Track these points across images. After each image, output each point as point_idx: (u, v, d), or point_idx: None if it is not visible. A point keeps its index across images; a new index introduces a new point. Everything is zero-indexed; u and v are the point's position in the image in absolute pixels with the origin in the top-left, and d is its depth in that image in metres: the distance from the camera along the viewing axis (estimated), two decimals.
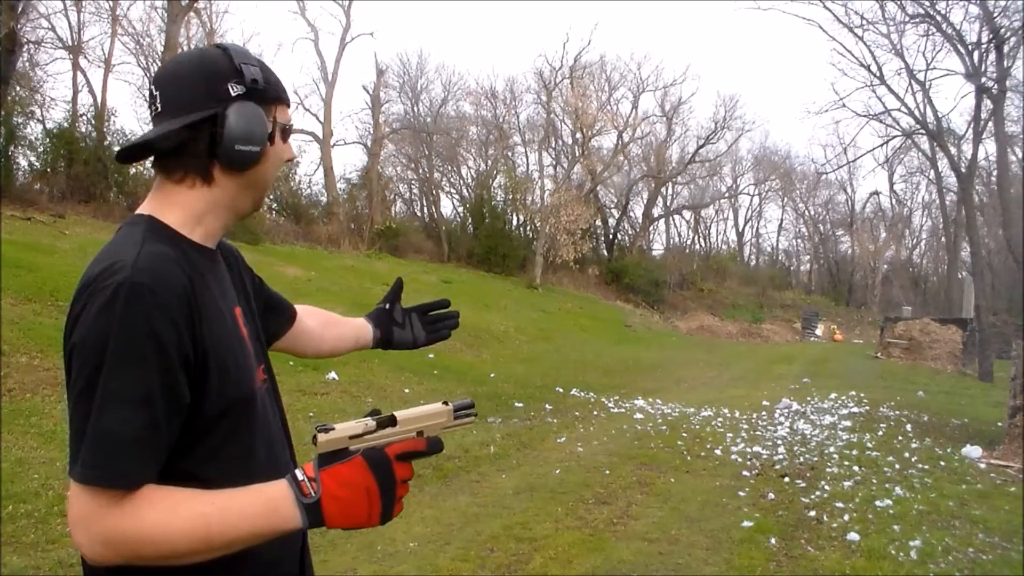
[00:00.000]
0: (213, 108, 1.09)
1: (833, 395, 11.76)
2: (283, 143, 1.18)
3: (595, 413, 9.66)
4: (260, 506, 1.00)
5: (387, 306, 1.63)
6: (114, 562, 0.99)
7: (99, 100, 22.19)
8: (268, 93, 1.14)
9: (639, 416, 9.45)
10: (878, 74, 19.32)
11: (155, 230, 1.10)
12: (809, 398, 11.46)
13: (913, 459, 7.15)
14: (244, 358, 1.14)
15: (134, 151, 1.15)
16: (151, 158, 1.15)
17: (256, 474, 1.06)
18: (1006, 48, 15.47)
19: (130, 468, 0.97)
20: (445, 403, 1.10)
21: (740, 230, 47.07)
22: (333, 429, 1.03)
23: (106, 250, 1.07)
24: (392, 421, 1.05)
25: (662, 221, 43.15)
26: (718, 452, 7.30)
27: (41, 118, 19.84)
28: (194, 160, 1.11)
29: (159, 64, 21.03)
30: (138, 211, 1.15)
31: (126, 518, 0.96)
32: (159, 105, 1.11)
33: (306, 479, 1.01)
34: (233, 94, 1.10)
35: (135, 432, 0.97)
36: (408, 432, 1.06)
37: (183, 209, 1.13)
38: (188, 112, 1.08)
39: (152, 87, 1.13)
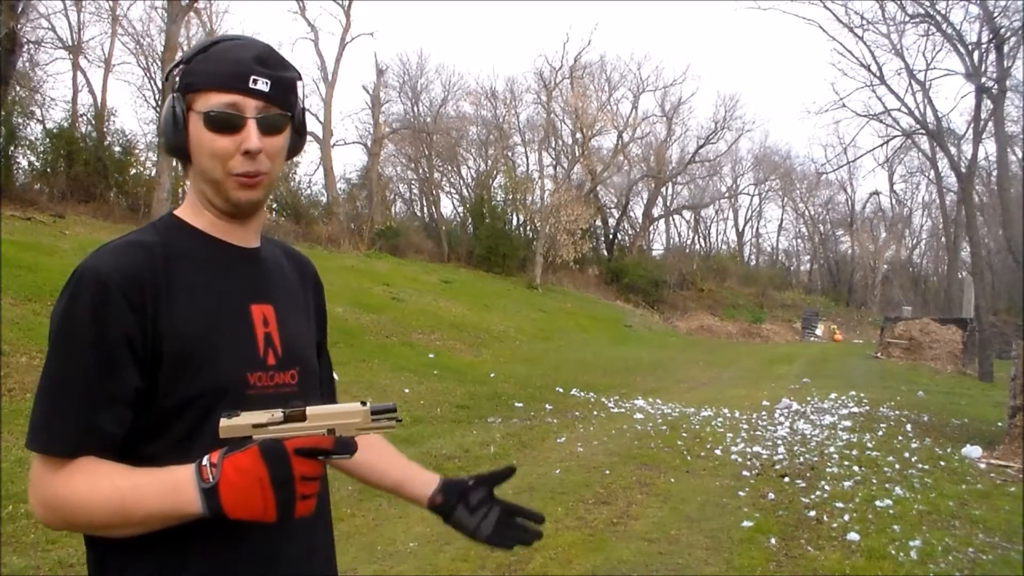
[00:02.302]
0: (170, 95, 1.15)
1: (833, 395, 11.75)
2: (213, 133, 1.10)
3: (595, 413, 9.66)
4: (167, 486, 1.01)
5: (471, 482, 1.37)
6: (56, 526, 1.07)
7: (99, 100, 22.26)
8: (183, 81, 1.13)
9: (639, 416, 9.44)
10: (878, 74, 19.32)
11: (158, 223, 1.19)
12: (809, 398, 11.45)
13: (913, 459, 7.14)
14: (237, 353, 1.12)
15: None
16: None
17: None
18: (1006, 48, 15.47)
19: (58, 437, 1.03)
20: (363, 403, 1.04)
21: (740, 230, 47.14)
22: (238, 415, 1.00)
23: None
24: (302, 416, 1.01)
25: (662, 221, 43.22)
26: (718, 452, 7.30)
27: (41, 118, 19.89)
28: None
29: (159, 64, 21.05)
30: None
31: (59, 484, 1.03)
32: None
33: (208, 464, 1.00)
34: (178, 83, 1.14)
35: (67, 404, 1.03)
36: (317, 429, 1.01)
37: (188, 200, 1.20)
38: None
39: None
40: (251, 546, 1.09)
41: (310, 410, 1.02)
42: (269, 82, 1.11)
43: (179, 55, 1.17)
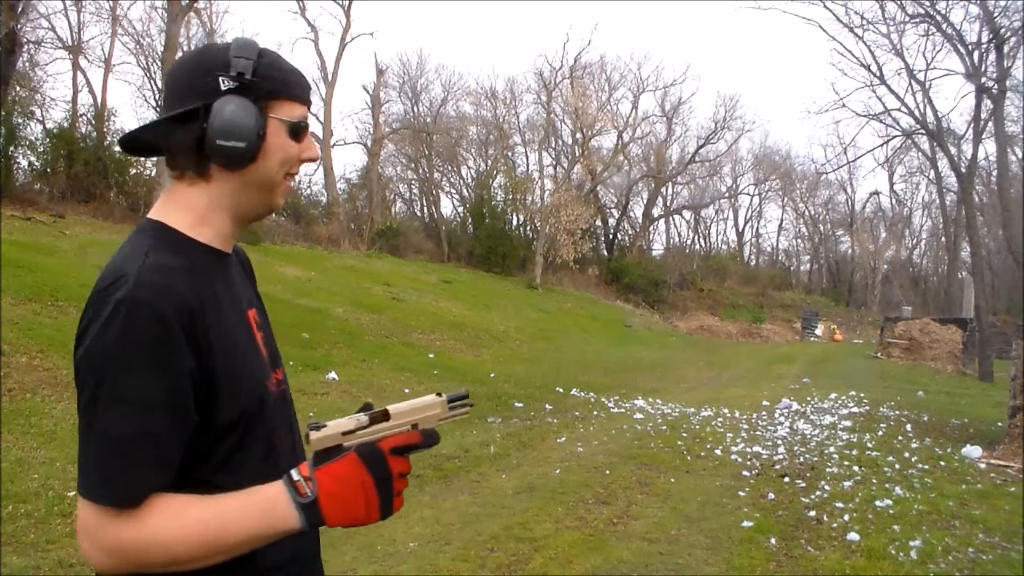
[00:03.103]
0: (199, 102, 1.07)
1: (833, 395, 11.76)
2: (292, 141, 1.13)
3: (595, 413, 9.66)
4: (257, 508, 1.00)
5: None
6: (122, 571, 0.99)
7: (99, 100, 22.26)
8: (263, 87, 1.09)
9: (639, 416, 9.44)
10: (878, 74, 19.33)
11: (162, 238, 1.09)
12: (809, 398, 11.45)
13: (913, 459, 7.14)
14: (256, 364, 1.13)
15: (133, 144, 1.19)
16: (158, 155, 1.18)
17: (271, 477, 1.06)
18: (1006, 48, 15.47)
19: (130, 484, 0.97)
20: (439, 394, 1.08)
21: (740, 230, 47.13)
22: (325, 427, 1.03)
23: (113, 262, 1.06)
24: (385, 416, 1.05)
25: (662, 221, 43.21)
26: (718, 452, 7.30)
27: (41, 118, 19.91)
28: (186, 156, 1.10)
29: (159, 64, 21.05)
30: (148, 216, 1.14)
31: (129, 527, 0.97)
32: (163, 98, 1.14)
33: (301, 479, 1.01)
34: (223, 88, 1.07)
35: (136, 447, 0.97)
36: (402, 426, 1.05)
37: (187, 209, 1.12)
38: (178, 106, 1.08)
39: (166, 79, 1.18)
40: (260, 562, 1.08)
41: (393, 409, 1.05)
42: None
43: (231, 53, 1.08)
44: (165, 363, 0.98)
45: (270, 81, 1.10)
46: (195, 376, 1.01)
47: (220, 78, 1.07)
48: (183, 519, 0.99)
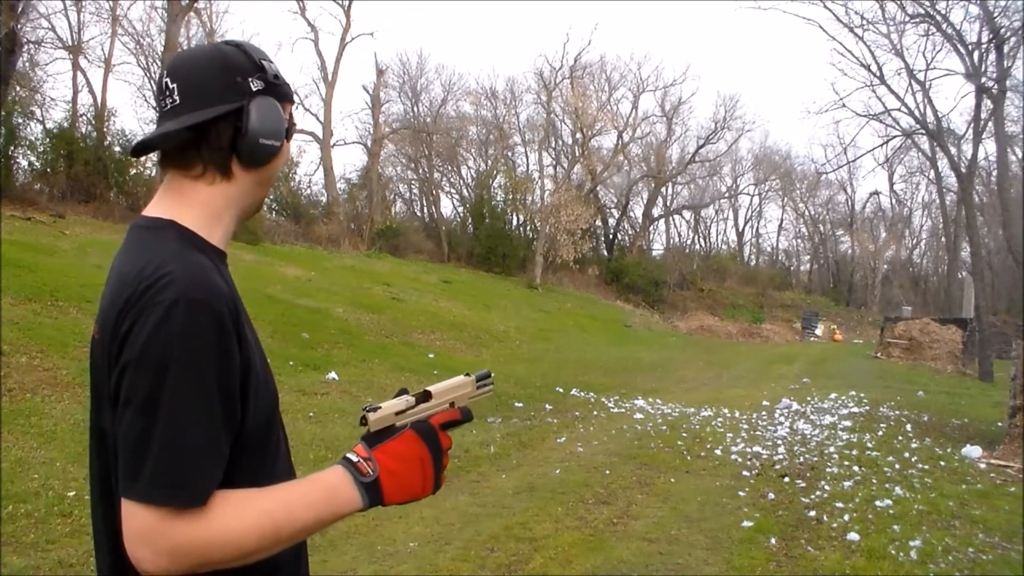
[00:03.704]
0: (237, 101, 1.09)
1: (833, 395, 11.75)
2: (288, 143, 1.19)
3: (595, 413, 9.66)
4: (321, 494, 1.03)
5: None
6: (183, 571, 0.96)
7: (99, 100, 22.23)
8: (283, 90, 1.16)
9: (639, 416, 9.44)
10: (878, 74, 19.33)
11: (186, 238, 1.08)
12: (809, 398, 11.45)
13: (913, 459, 7.14)
14: (267, 364, 1.15)
15: (151, 144, 1.14)
16: (158, 153, 1.14)
17: (286, 477, 1.10)
18: (1006, 48, 15.47)
19: (198, 484, 0.96)
20: (467, 374, 1.19)
21: (740, 230, 47.12)
22: (380, 408, 1.09)
23: (142, 261, 1.03)
24: (427, 396, 1.13)
25: (662, 221, 43.19)
26: (718, 452, 7.30)
27: (41, 118, 19.88)
28: (215, 154, 1.10)
29: (159, 64, 21.04)
30: (154, 214, 1.11)
31: (195, 528, 0.95)
32: (176, 97, 1.09)
33: (361, 460, 1.05)
34: (254, 88, 1.10)
35: (201, 447, 0.97)
36: (443, 404, 1.14)
37: (201, 208, 1.11)
38: (212, 105, 1.08)
39: (167, 79, 1.11)
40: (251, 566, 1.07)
41: (433, 389, 1.15)
42: None
43: (254, 55, 1.13)
44: (226, 362, 1.00)
45: (285, 84, 1.17)
46: (240, 375, 1.03)
47: (251, 79, 1.11)
48: (250, 512, 0.99)
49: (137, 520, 0.95)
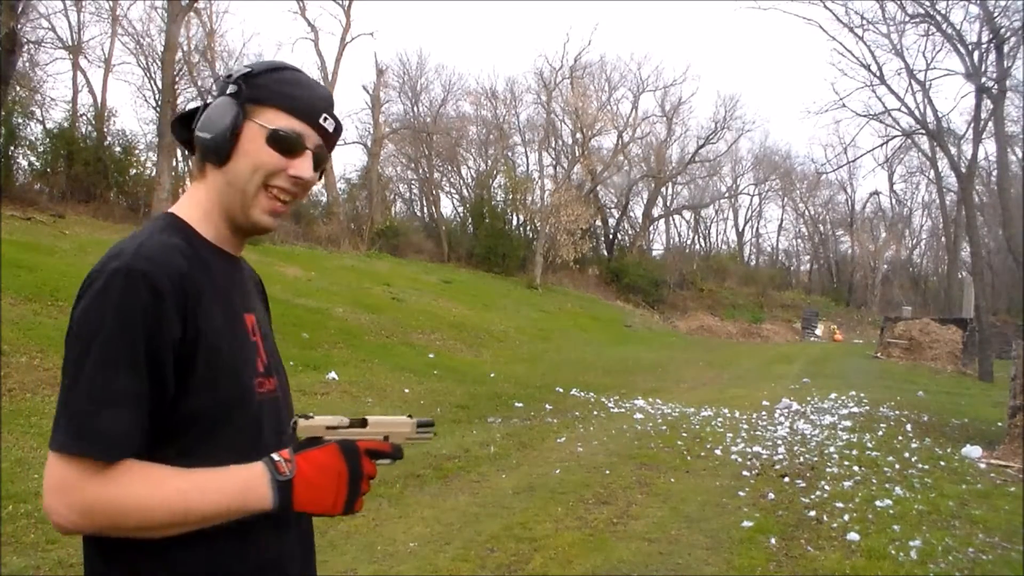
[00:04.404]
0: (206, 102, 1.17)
1: (833, 395, 11.76)
2: (273, 150, 1.14)
3: (595, 413, 9.66)
4: (237, 484, 1.04)
5: None
6: (87, 531, 1.03)
7: (99, 100, 22.24)
8: (249, 93, 1.15)
9: (639, 416, 9.44)
10: (878, 74, 19.33)
11: (170, 224, 1.15)
12: (809, 398, 11.45)
13: (913, 459, 7.14)
14: (244, 359, 1.14)
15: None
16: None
17: None
18: (1006, 48, 15.46)
19: (111, 440, 1.00)
20: (410, 416, 1.19)
21: (740, 230, 47.15)
22: (313, 417, 1.11)
23: (117, 243, 1.11)
24: (363, 423, 1.14)
25: (662, 221, 43.23)
26: (718, 452, 7.30)
27: (41, 118, 19.89)
28: (195, 154, 1.19)
29: (159, 64, 21.02)
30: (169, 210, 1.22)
31: (109, 488, 1.00)
32: None
33: (282, 460, 1.06)
34: (228, 92, 1.16)
35: (117, 405, 1.00)
36: (376, 434, 1.14)
37: (195, 204, 1.19)
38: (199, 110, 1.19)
39: None
40: (258, 546, 1.12)
41: (369, 418, 1.15)
42: (334, 125, 1.20)
43: (244, 63, 1.19)
44: (155, 329, 1.02)
45: (260, 89, 1.16)
46: (177, 349, 1.04)
47: (230, 84, 1.16)
48: (165, 487, 1.02)
49: (54, 472, 1.00)
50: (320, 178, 1.24)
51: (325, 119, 1.18)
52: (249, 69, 1.17)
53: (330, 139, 1.20)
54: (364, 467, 1.09)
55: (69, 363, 1.02)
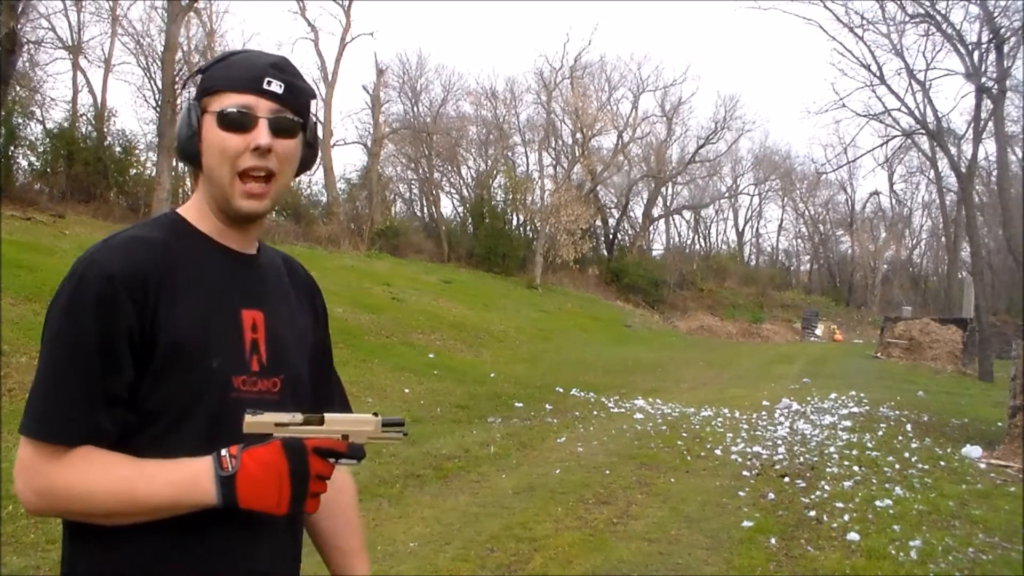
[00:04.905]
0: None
1: (833, 395, 11.76)
2: (227, 132, 1.12)
3: (595, 413, 9.66)
4: (182, 477, 1.04)
5: None
6: (46, 513, 1.08)
7: (99, 100, 22.23)
8: (200, 88, 1.16)
9: (639, 416, 9.44)
10: (878, 74, 19.32)
11: (159, 221, 1.19)
12: (809, 398, 11.45)
13: (913, 459, 7.15)
14: (219, 353, 1.12)
15: None
16: None
17: None
18: (1006, 48, 15.46)
19: (64, 424, 1.04)
20: (375, 414, 1.12)
21: (740, 230, 47.13)
22: (262, 414, 1.06)
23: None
24: (320, 420, 1.08)
25: (662, 221, 43.20)
26: (718, 452, 7.30)
27: (41, 118, 19.88)
28: None
29: (159, 64, 21.03)
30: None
31: (60, 472, 1.03)
32: None
33: (227, 455, 1.04)
34: (194, 93, 1.19)
35: (70, 394, 1.04)
36: (333, 433, 1.08)
37: (194, 203, 1.21)
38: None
39: None
40: (232, 541, 1.10)
41: (327, 416, 1.09)
42: (283, 85, 1.14)
43: (199, 65, 1.22)
44: (108, 319, 1.05)
45: (207, 80, 1.16)
46: (134, 337, 1.06)
47: (191, 84, 1.21)
48: (111, 473, 1.04)
49: (20, 454, 1.05)
50: (309, 147, 1.20)
51: (269, 83, 1.13)
52: (200, 67, 1.19)
53: (286, 102, 1.14)
54: (311, 466, 1.04)
55: (40, 355, 1.08)
